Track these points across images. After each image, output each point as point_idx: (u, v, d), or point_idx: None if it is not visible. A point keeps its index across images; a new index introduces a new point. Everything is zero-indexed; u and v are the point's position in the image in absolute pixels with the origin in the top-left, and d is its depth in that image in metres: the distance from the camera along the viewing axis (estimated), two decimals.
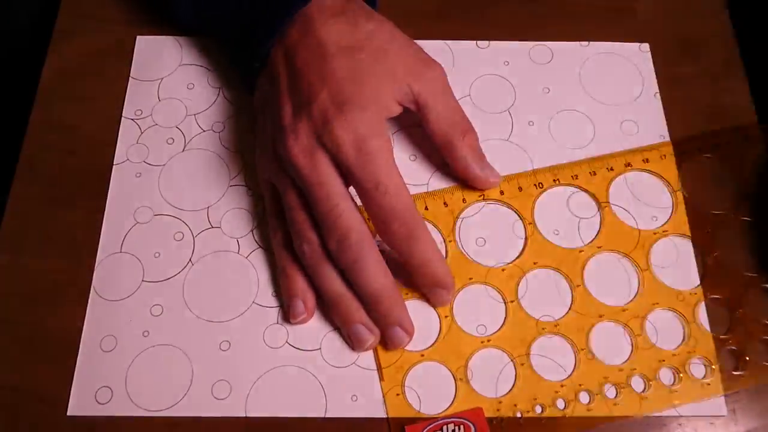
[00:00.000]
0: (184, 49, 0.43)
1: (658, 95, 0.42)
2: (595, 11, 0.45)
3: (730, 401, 0.34)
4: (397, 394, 0.34)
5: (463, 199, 0.38)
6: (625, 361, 0.35)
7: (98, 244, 0.37)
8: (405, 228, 0.33)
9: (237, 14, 0.38)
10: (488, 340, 0.35)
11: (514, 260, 0.37)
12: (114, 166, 0.39)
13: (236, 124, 0.41)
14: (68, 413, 0.33)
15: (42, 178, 0.39)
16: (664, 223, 0.38)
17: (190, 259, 0.37)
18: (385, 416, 0.33)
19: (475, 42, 0.43)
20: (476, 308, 0.36)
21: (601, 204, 0.38)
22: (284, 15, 0.36)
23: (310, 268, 0.35)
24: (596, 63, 0.43)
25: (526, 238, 0.37)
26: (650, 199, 0.39)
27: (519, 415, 0.33)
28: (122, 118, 0.41)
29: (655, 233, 0.38)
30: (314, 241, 0.34)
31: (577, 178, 0.39)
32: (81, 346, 0.35)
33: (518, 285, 0.36)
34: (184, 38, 0.43)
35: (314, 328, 0.35)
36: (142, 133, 0.40)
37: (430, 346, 0.35)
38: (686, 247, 0.37)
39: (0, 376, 0.34)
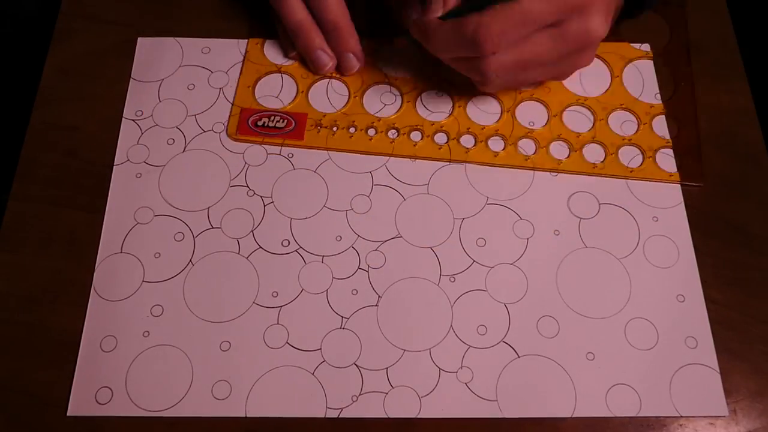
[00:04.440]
0: (185, 50, 0.43)
1: (658, 95, 0.42)
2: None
3: (731, 402, 0.34)
4: (248, 86, 0.41)
5: None
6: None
7: (98, 244, 0.37)
8: None
9: None
10: None
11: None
12: (114, 167, 0.39)
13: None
14: (68, 413, 0.33)
15: (42, 178, 0.39)
16: None
17: (190, 260, 0.37)
18: (385, 416, 0.33)
19: None
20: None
21: None
22: None
23: (277, 1, 0.40)
24: (596, 63, 0.43)
25: None
26: None
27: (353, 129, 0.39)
28: (123, 119, 0.41)
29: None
30: None
31: None
32: (81, 346, 0.35)
33: None
34: (184, 39, 0.43)
35: (314, 328, 0.35)
36: (142, 133, 0.40)
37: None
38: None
39: (0, 376, 0.34)
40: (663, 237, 0.38)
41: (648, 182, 0.39)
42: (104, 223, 0.38)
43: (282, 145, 0.40)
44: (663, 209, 0.39)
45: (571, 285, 0.36)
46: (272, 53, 0.43)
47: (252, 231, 0.38)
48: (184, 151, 0.40)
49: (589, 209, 0.39)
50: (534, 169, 0.39)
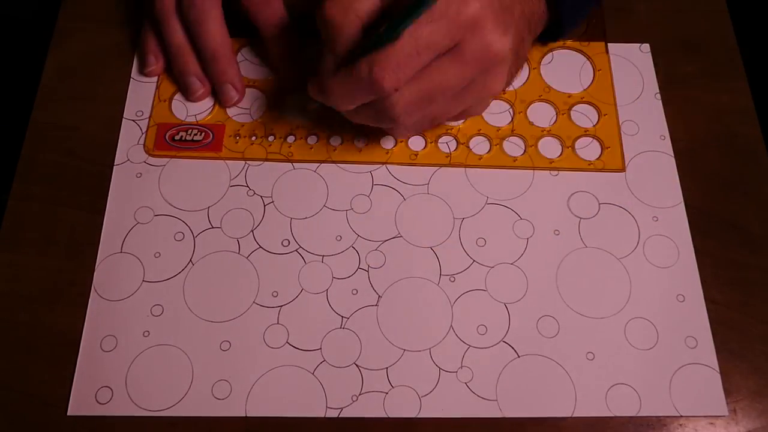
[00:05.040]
0: None
1: (658, 95, 0.42)
2: (595, 11, 0.45)
3: (731, 402, 0.34)
4: (164, 100, 0.41)
5: None
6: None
7: (98, 244, 0.37)
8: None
9: None
10: None
11: None
12: (114, 167, 0.39)
13: (237, 124, 0.41)
14: (68, 413, 0.33)
15: (42, 178, 0.39)
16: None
17: (190, 260, 0.37)
18: (385, 416, 0.33)
19: None
20: None
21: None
22: None
23: (159, 22, 0.40)
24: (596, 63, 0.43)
25: None
26: None
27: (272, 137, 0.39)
28: (123, 119, 0.41)
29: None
30: (158, 6, 0.39)
31: None
32: (81, 346, 0.35)
33: None
34: None
35: (314, 328, 0.35)
36: (142, 133, 0.40)
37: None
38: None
39: (0, 376, 0.34)
40: (663, 237, 0.38)
41: (648, 182, 0.39)
42: (104, 223, 0.38)
43: (200, 158, 0.39)
44: (663, 209, 0.39)
45: (571, 285, 0.36)
46: None
47: (252, 231, 0.38)
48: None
49: (589, 209, 0.39)
50: (451, 165, 0.39)
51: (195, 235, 0.38)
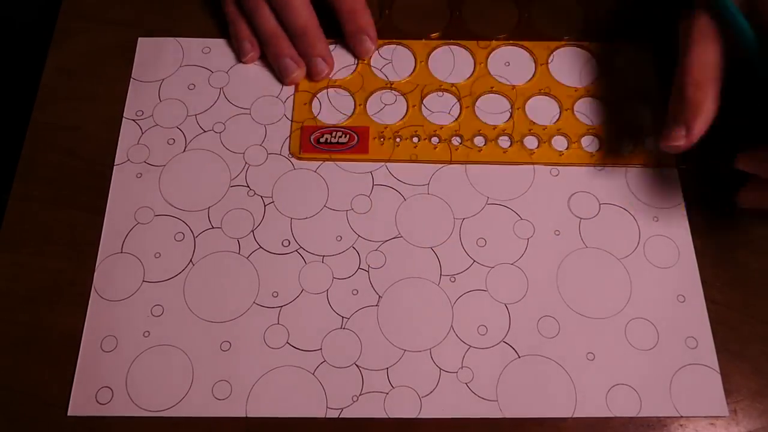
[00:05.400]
0: (185, 50, 0.43)
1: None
2: (594, 11, 0.45)
3: (731, 402, 0.34)
4: (305, 103, 0.41)
5: None
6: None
7: (98, 244, 0.37)
8: None
9: None
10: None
11: None
12: (115, 167, 0.39)
13: (237, 124, 0.41)
14: (68, 413, 0.33)
15: (42, 178, 0.39)
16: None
17: (190, 260, 0.37)
18: (385, 417, 0.33)
19: (476, 42, 0.43)
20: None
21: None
22: None
23: (249, 10, 0.41)
24: (597, 63, 0.43)
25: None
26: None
27: (416, 139, 0.40)
28: (123, 119, 0.41)
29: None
30: None
31: None
32: (81, 346, 0.35)
33: None
34: (184, 39, 0.43)
35: (314, 328, 0.35)
36: (143, 133, 0.40)
37: (345, 77, 0.42)
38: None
39: (0, 376, 0.34)
40: (663, 237, 0.38)
41: (648, 182, 0.39)
42: (104, 223, 0.38)
43: (349, 159, 0.39)
44: (663, 209, 0.39)
45: (571, 285, 0.36)
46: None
47: (252, 231, 0.38)
48: (184, 151, 0.40)
49: (589, 209, 0.39)
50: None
51: (195, 236, 0.38)
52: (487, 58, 0.43)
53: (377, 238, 0.37)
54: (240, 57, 0.42)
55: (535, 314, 0.36)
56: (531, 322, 0.35)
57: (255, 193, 0.39)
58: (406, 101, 0.41)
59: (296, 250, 0.37)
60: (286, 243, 0.37)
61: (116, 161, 0.40)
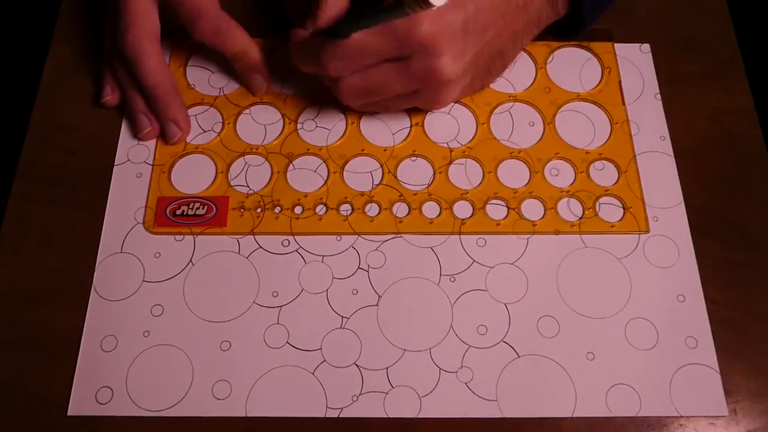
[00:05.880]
0: (185, 50, 0.43)
1: (658, 95, 0.42)
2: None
3: (731, 402, 0.34)
4: (163, 172, 0.39)
5: None
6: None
7: (98, 244, 0.37)
8: (211, 25, 0.38)
9: None
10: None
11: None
12: (114, 167, 0.39)
13: (237, 124, 0.41)
14: (68, 413, 0.33)
15: (42, 178, 0.39)
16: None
17: (190, 260, 0.37)
18: (385, 416, 0.33)
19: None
20: None
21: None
22: None
23: (107, 64, 0.41)
24: (597, 63, 0.43)
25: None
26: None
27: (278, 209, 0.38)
28: (123, 119, 0.41)
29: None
30: (110, 42, 0.40)
31: None
32: (81, 346, 0.35)
33: None
34: (185, 40, 0.43)
35: (314, 328, 0.35)
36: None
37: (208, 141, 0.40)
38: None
39: (0, 376, 0.34)
40: (663, 237, 0.38)
41: (648, 182, 0.39)
42: (104, 223, 0.38)
43: (202, 233, 0.37)
44: (663, 209, 0.39)
45: (571, 285, 0.36)
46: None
47: (252, 231, 0.38)
48: (184, 151, 0.40)
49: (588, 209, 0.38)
50: (458, 233, 0.38)
51: (195, 236, 0.38)
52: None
53: (377, 238, 0.37)
54: (96, 99, 0.41)
55: (535, 314, 0.36)
56: (531, 322, 0.35)
57: (255, 193, 0.39)
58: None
59: (296, 250, 0.37)
60: (285, 243, 0.37)
61: (116, 161, 0.40)
